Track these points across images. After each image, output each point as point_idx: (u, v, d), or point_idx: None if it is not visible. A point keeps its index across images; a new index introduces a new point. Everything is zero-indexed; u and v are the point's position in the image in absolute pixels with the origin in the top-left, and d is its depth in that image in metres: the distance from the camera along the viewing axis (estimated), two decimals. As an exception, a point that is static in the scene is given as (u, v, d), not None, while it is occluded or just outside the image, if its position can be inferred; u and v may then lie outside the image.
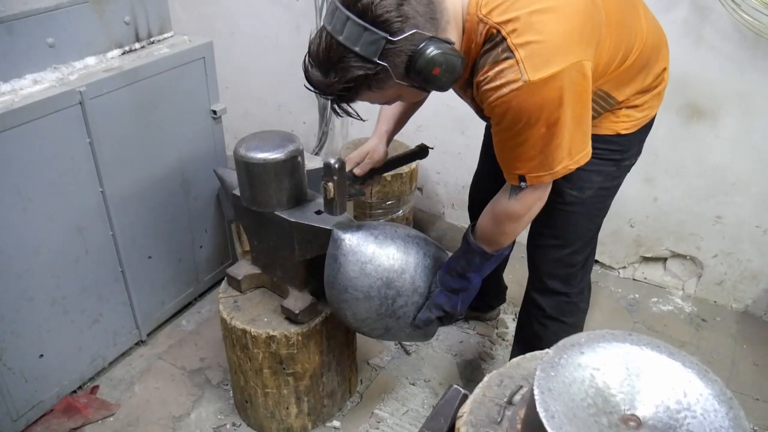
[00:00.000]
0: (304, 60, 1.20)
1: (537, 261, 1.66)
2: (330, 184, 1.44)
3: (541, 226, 1.60)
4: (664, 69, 1.45)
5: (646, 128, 1.49)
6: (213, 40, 2.08)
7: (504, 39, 1.14)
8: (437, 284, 1.51)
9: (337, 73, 1.15)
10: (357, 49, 1.11)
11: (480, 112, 1.38)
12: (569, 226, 1.56)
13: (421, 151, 1.86)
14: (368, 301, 1.49)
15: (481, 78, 1.20)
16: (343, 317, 1.56)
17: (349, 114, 1.27)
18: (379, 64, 1.12)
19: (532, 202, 1.34)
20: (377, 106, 1.34)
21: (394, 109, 1.70)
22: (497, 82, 1.16)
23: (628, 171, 1.56)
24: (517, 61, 1.13)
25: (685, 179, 2.28)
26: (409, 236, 1.55)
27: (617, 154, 1.46)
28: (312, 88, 1.21)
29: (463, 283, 1.48)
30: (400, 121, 1.73)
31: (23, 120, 1.58)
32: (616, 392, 0.79)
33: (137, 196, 1.97)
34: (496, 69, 1.16)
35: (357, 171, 1.69)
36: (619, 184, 1.57)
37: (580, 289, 1.68)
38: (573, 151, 1.25)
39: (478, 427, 0.92)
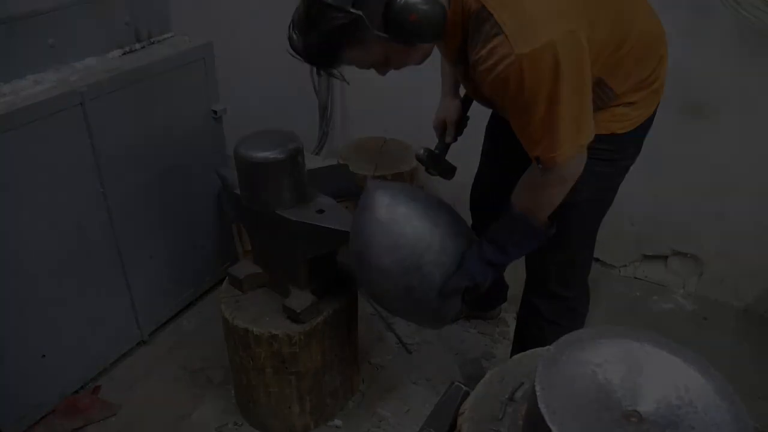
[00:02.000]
0: (288, 29, 1.23)
1: (534, 264, 1.65)
2: (431, 171, 1.74)
3: None
4: (661, 62, 1.42)
5: (643, 128, 1.46)
6: (213, 41, 2.08)
7: (490, 14, 1.13)
8: (475, 253, 1.41)
9: (315, 28, 1.17)
10: (331, 0, 1.13)
11: (477, 93, 1.35)
12: (566, 229, 1.51)
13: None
14: (395, 251, 1.38)
15: (476, 58, 1.18)
16: (366, 267, 1.43)
17: (334, 76, 1.28)
18: (354, 12, 1.12)
19: (561, 180, 1.29)
20: (363, 74, 1.35)
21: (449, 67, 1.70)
22: (491, 61, 1.15)
23: (626, 172, 1.53)
24: (506, 36, 1.11)
25: (685, 177, 2.27)
26: (442, 202, 1.49)
27: (613, 154, 1.43)
28: (296, 55, 1.23)
29: (500, 257, 1.41)
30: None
31: (24, 121, 1.58)
32: (617, 388, 0.79)
33: (138, 196, 1.98)
34: (488, 47, 1.14)
35: (448, 140, 1.76)
36: (617, 186, 1.54)
37: (578, 292, 1.67)
38: (582, 128, 1.22)
39: (480, 423, 0.92)
